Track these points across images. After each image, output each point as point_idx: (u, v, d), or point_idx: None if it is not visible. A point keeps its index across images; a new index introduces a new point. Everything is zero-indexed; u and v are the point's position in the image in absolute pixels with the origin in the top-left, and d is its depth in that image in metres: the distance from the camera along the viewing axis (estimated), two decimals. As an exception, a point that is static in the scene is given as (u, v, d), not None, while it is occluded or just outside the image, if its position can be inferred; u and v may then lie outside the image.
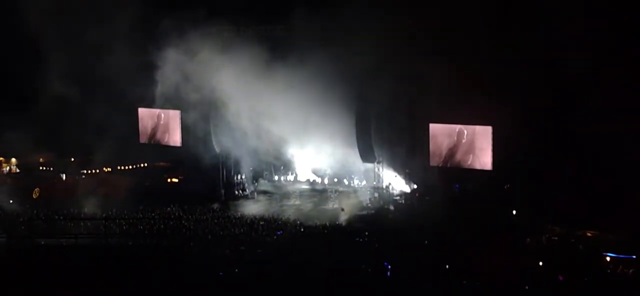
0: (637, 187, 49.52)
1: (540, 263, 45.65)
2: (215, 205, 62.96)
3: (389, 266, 44.46)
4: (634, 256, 46.43)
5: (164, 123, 74.76)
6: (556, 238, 50.99)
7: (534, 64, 54.06)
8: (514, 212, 55.78)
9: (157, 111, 74.08)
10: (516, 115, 54.70)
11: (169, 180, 71.93)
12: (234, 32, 64.67)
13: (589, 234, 50.82)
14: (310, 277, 42.59)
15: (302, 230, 55.32)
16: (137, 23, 63.96)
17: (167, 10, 62.96)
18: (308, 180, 70.78)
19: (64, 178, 73.25)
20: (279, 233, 54.02)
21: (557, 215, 51.97)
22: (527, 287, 41.55)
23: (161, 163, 75.09)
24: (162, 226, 54.78)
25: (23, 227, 53.23)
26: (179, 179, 71.76)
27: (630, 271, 45.82)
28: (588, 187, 51.74)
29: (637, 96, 49.86)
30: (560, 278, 43.24)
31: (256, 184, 70.28)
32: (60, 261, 44.77)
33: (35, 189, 67.56)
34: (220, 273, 43.93)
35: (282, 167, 71.56)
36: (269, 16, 65.31)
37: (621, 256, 46.81)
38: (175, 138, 73.60)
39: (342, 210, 60.97)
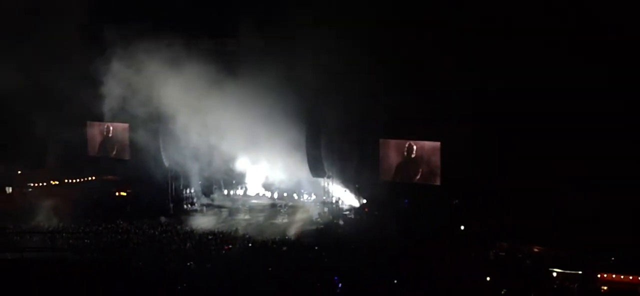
0: (584, 203, 50.14)
1: (488, 278, 45.91)
2: (163, 219, 62.40)
3: (339, 281, 44.45)
4: (580, 272, 46.95)
5: (112, 137, 74.35)
6: (503, 253, 51.34)
7: (482, 82, 54.55)
8: (462, 227, 56.10)
9: (105, 124, 73.66)
10: (465, 130, 55.12)
11: (117, 193, 71.22)
12: (183, 46, 64.28)
13: (536, 249, 51.23)
14: (258, 292, 42.41)
15: (250, 244, 55.08)
16: (85, 35, 63.41)
17: (116, 22, 62.35)
18: (258, 195, 70.53)
19: (9, 191, 72.11)
20: (227, 247, 53.75)
21: (505, 231, 52.38)
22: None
23: (109, 177, 74.47)
24: (110, 240, 54.40)
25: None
26: (127, 193, 71.09)
27: (576, 286, 46.36)
28: (536, 202, 52.33)
29: (583, 111, 50.66)
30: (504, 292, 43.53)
31: (205, 198, 69.84)
32: (6, 276, 44.33)
33: (-20, 203, 66.32)
34: (171, 288, 43.52)
35: (232, 182, 71.24)
36: (219, 30, 65.15)
37: (567, 271, 47.30)
38: (123, 151, 73.18)
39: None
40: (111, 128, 74.28)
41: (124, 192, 71.29)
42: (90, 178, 74.92)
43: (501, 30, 53.66)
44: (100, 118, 71.26)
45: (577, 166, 50.97)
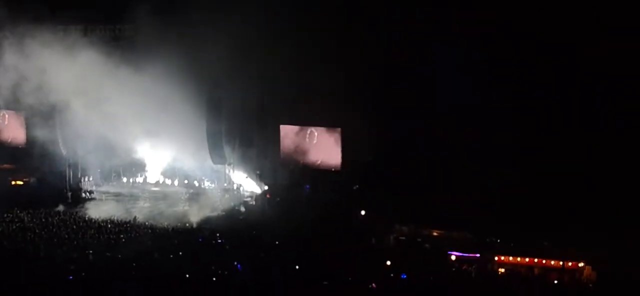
0: (483, 187, 51.19)
1: (388, 262, 46.49)
2: (61, 208, 61.39)
3: (240, 267, 44.52)
4: (478, 255, 47.97)
5: (8, 125, 72.72)
6: (403, 237, 52.06)
7: (380, 67, 55.09)
8: (363, 212, 56.66)
9: (0, 112, 72.07)
10: (364, 117, 55.63)
11: (13, 182, 69.69)
12: (80, 32, 63.07)
13: (435, 233, 52.11)
14: (159, 279, 42.15)
15: (150, 231, 54.72)
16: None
17: (9, 7, 60.77)
18: (159, 182, 69.92)
19: None
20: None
21: (405, 215, 53.09)
22: (374, 286, 42.17)
23: (5, 165, 72.75)
24: (6, 229, 53.39)
25: None
26: (23, 181, 69.63)
27: (474, 268, 47.37)
28: (434, 187, 53.14)
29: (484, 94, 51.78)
30: (404, 276, 44.11)
31: (104, 186, 68.91)
32: None
33: None
34: (69, 278, 42.87)
35: (132, 169, 70.39)
36: (116, 16, 64.04)
37: (466, 254, 48.26)
38: (19, 139, 71.63)
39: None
40: (7, 116, 72.62)
41: (20, 180, 69.83)
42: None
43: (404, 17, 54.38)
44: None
45: (478, 150, 51.98)
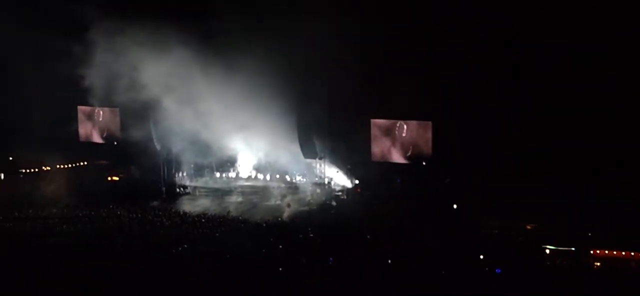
0: (579, 180, 50.41)
1: (481, 256, 46.08)
2: (156, 203, 62.45)
3: (332, 261, 44.64)
4: (573, 248, 47.15)
5: (103, 121, 74.24)
6: (496, 231, 51.50)
7: (473, 60, 54.69)
8: (455, 206, 56.25)
9: (95, 109, 73.62)
10: (455, 110, 55.25)
11: (109, 178, 71.14)
12: (172, 29, 63.91)
13: (528, 227, 51.41)
14: (252, 274, 42.55)
15: (243, 225, 55.24)
16: (75, 16, 62.94)
17: (103, 7, 61.88)
18: (250, 177, 70.46)
19: (1, 177, 71.98)
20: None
21: (498, 209, 52.51)
22: (468, 280, 41.88)
23: (101, 162, 74.29)
24: (103, 224, 54.48)
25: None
26: (119, 177, 71.03)
27: (568, 262, 46.58)
28: (529, 180, 52.50)
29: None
30: (499, 270, 43.70)
31: (197, 181, 69.78)
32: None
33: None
34: (165, 271, 43.57)
35: (226, 164, 71.05)
36: (207, 13, 64.61)
37: (560, 248, 47.48)
38: (115, 136, 73.17)
39: (288, 206, 60.92)
40: (101, 113, 74.15)
41: (116, 176, 71.22)
42: (81, 164, 74.66)
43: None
44: (90, 103, 70.88)
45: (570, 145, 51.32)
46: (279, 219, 57.76)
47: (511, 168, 53.48)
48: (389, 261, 44.80)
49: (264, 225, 55.55)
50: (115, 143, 73.70)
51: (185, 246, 49.04)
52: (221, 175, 71.20)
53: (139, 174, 68.52)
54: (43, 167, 72.27)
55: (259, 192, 66.22)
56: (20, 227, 54.12)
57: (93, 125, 75.36)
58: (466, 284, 41.63)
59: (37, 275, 41.93)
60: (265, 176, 69.43)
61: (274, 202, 63.31)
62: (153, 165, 68.36)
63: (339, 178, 65.62)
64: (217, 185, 68.99)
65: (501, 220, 51.83)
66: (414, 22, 55.43)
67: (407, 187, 60.43)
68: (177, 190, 67.82)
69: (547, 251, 47.58)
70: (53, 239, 51.15)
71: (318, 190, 64.84)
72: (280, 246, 48.66)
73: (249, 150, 68.55)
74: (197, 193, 67.21)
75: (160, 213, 58.83)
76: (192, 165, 69.76)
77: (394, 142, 62.45)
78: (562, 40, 52.61)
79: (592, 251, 47.13)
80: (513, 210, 52.01)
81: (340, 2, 57.59)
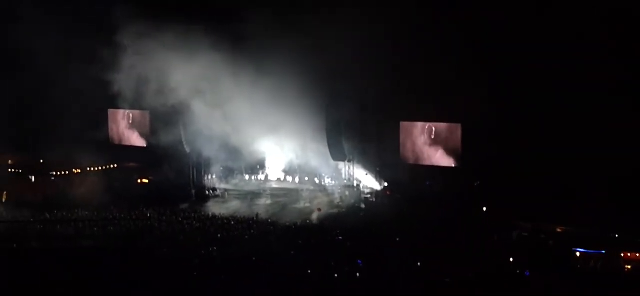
0: (610, 182, 50.07)
1: (511, 259, 45.87)
2: (186, 206, 62.63)
3: (361, 264, 44.55)
4: (603, 252, 46.82)
5: (133, 124, 74.67)
6: (526, 234, 51.25)
7: (502, 63, 54.51)
8: (485, 209, 56.04)
9: (126, 112, 74.06)
10: (485, 112, 55.05)
11: (139, 181, 71.51)
12: (201, 32, 64.03)
13: (559, 230, 51.14)
14: (281, 276, 42.55)
15: (273, 228, 55.29)
16: (104, 20, 63.32)
17: (132, 11, 62.14)
18: (279, 179, 70.59)
19: (33, 180, 72.54)
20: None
21: (528, 211, 52.27)
22: (498, 283, 41.70)
23: (131, 164, 74.70)
24: (134, 227, 54.72)
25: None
26: (149, 180, 71.35)
27: (599, 265, 46.25)
28: (559, 183, 52.24)
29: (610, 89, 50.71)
30: (528, 273, 43.49)
31: (227, 183, 69.97)
32: (31, 265, 44.75)
33: (4, 192, 66.42)
34: (195, 274, 43.74)
35: (256, 166, 71.22)
36: (236, 15, 64.71)
37: (591, 251, 47.16)
38: (145, 138, 73.54)
39: (319, 210, 60.92)
40: (131, 116, 74.59)
41: (146, 179, 71.57)
42: (112, 166, 75.09)
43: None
44: (120, 106, 71.29)
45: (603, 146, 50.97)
46: (308, 222, 57.74)
47: (541, 170, 53.15)
48: (419, 264, 44.69)
49: (293, 227, 55.60)
50: (146, 145, 74.07)
51: (215, 248, 49.17)
52: (250, 177, 71.38)
53: (173, 176, 68.67)
54: (74, 169, 72.74)
55: (288, 194, 66.42)
56: (50, 229, 54.39)
57: (123, 127, 75.79)
58: (495, 287, 41.46)
59: (66, 277, 42.20)
60: (294, 178, 69.54)
61: (303, 204, 63.39)
62: (183, 167, 68.65)
63: (368, 181, 65.56)
64: (246, 188, 69.15)
65: (531, 223, 51.62)
66: (445, 23, 55.19)
67: (436, 190, 60.23)
68: (207, 192, 68.04)
69: (578, 254, 47.29)
70: (84, 241, 51.50)
71: (347, 193, 64.80)
72: (308, 248, 48.65)
73: (278, 152, 68.70)
74: (227, 195, 67.36)
75: (191, 215, 58.97)
76: (222, 168, 69.98)
77: (424, 144, 62.31)
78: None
79: (622, 254, 46.80)
80: (544, 213, 51.76)
81: (371, 2, 57.61)
